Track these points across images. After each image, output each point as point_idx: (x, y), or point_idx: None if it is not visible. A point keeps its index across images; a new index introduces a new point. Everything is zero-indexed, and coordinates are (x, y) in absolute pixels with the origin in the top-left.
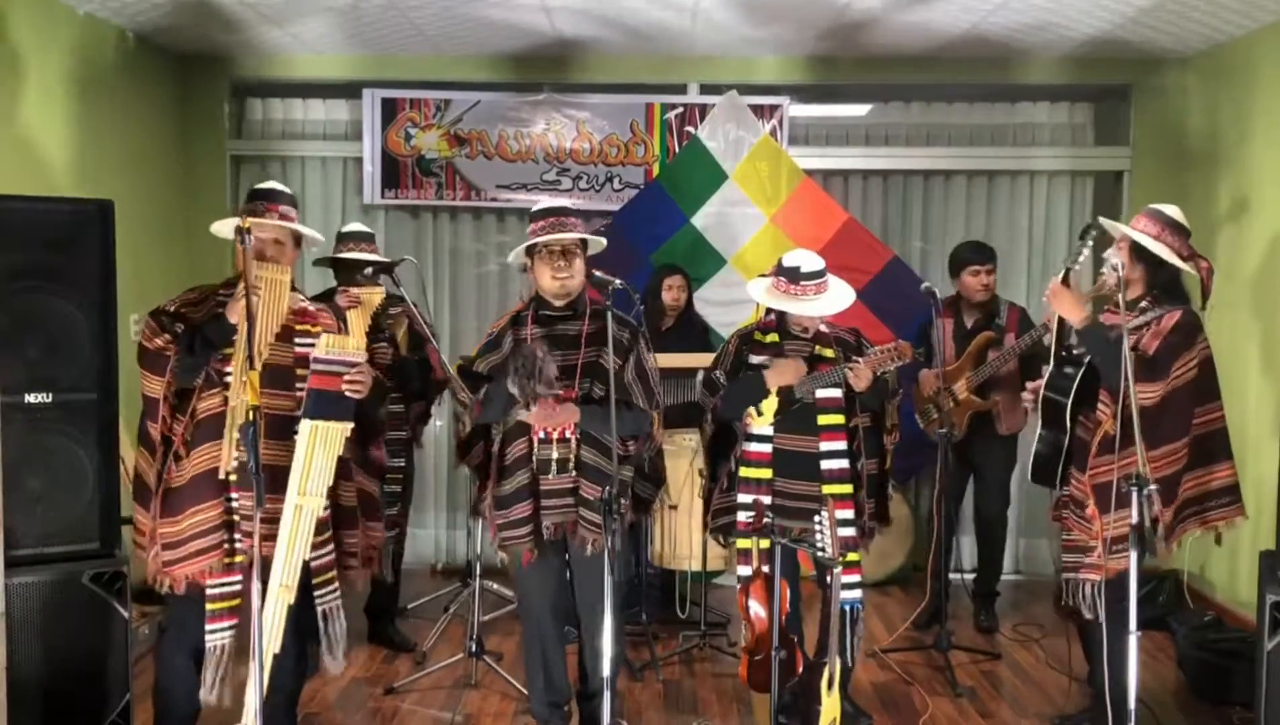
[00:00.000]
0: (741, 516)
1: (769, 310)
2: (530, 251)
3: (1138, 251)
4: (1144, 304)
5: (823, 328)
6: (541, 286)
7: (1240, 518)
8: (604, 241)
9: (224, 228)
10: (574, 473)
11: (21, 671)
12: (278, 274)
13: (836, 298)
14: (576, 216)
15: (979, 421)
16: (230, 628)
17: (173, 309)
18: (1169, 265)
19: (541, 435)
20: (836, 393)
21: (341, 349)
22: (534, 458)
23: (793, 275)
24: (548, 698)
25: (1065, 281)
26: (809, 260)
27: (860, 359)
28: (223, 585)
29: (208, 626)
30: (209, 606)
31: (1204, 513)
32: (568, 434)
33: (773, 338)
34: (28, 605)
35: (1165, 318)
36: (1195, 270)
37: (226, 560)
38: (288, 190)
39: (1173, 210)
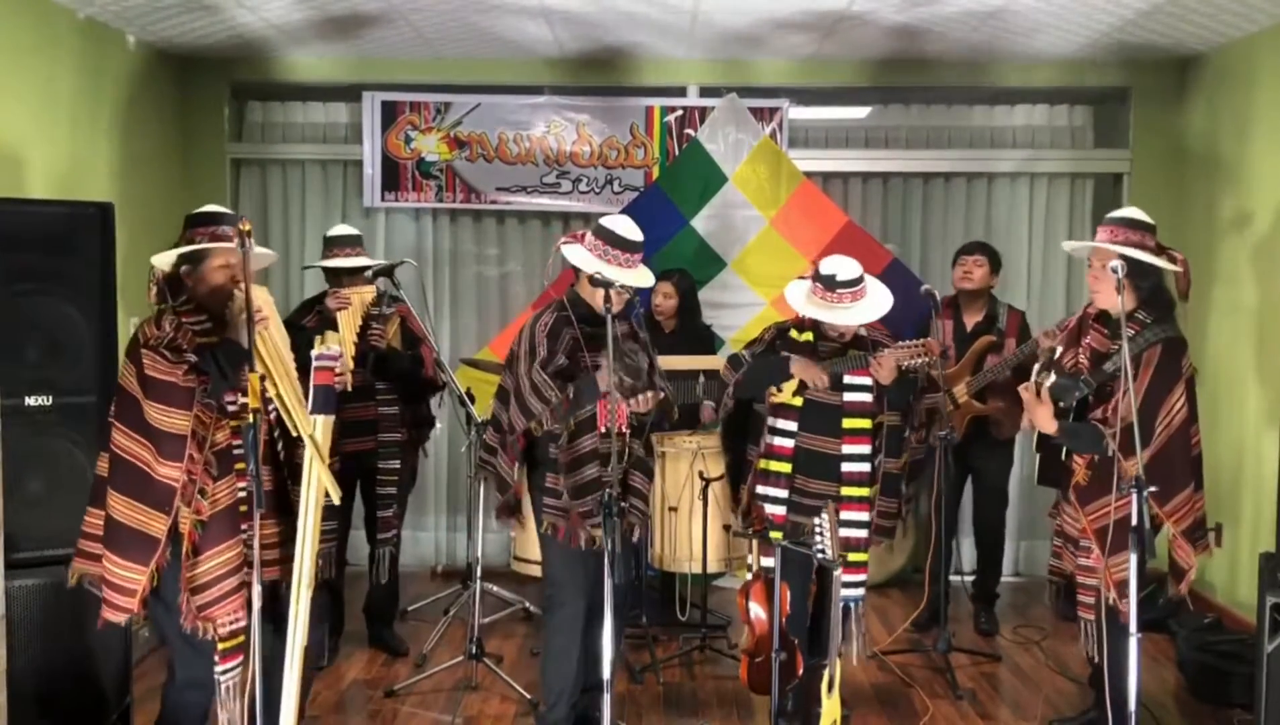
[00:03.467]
0: (766, 507)
1: None
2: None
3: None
4: (1140, 315)
5: (860, 331)
6: (588, 299)
7: (1208, 553)
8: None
9: (164, 260)
10: (626, 464)
11: (22, 674)
12: (262, 297)
13: (873, 304)
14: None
15: (976, 425)
16: (240, 664)
17: (182, 344)
18: (1154, 270)
19: (604, 429)
20: (865, 397)
21: (331, 344)
22: (598, 451)
23: (829, 283)
24: (571, 698)
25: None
26: (845, 267)
27: (886, 349)
28: (235, 622)
29: (222, 666)
30: (221, 646)
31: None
32: (623, 428)
33: (807, 336)
34: (28, 608)
35: (1145, 359)
36: (1173, 264)
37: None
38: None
39: (1135, 212)
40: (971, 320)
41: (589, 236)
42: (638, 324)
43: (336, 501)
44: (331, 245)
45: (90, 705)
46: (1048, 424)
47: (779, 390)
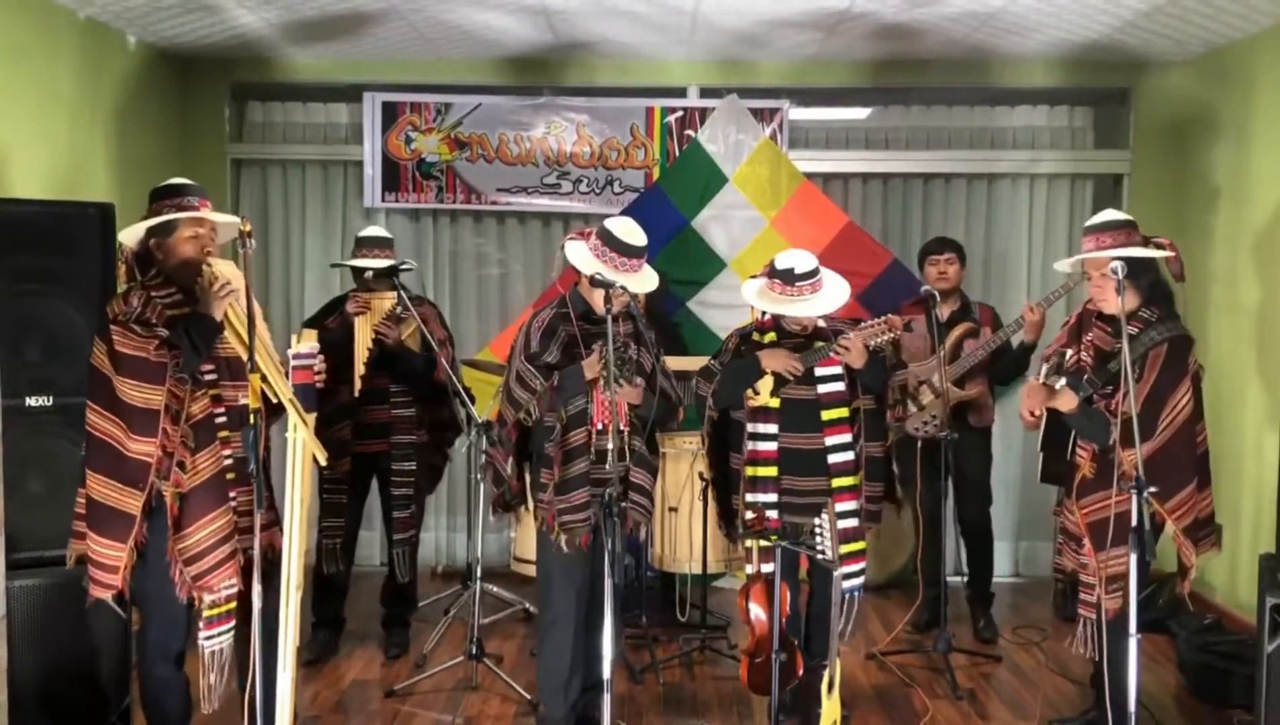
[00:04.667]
0: (750, 515)
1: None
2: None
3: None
4: (1144, 313)
5: (820, 323)
6: (587, 298)
7: (1216, 550)
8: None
9: (132, 236)
10: (626, 461)
11: (22, 674)
12: (231, 270)
13: (832, 295)
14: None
15: (954, 414)
16: (229, 630)
17: (152, 318)
18: (1149, 264)
19: (600, 426)
20: (839, 386)
21: (306, 343)
22: (592, 447)
23: (787, 277)
24: (568, 696)
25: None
26: (802, 261)
27: (851, 333)
28: (225, 588)
29: (206, 632)
30: (207, 612)
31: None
32: (621, 425)
33: (770, 337)
34: (29, 608)
35: (1151, 358)
36: (1161, 250)
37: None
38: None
39: (1113, 214)
40: (947, 311)
41: (593, 237)
42: (643, 325)
43: (323, 462)
44: (360, 245)
45: (90, 705)
46: (1067, 402)
47: (756, 392)
